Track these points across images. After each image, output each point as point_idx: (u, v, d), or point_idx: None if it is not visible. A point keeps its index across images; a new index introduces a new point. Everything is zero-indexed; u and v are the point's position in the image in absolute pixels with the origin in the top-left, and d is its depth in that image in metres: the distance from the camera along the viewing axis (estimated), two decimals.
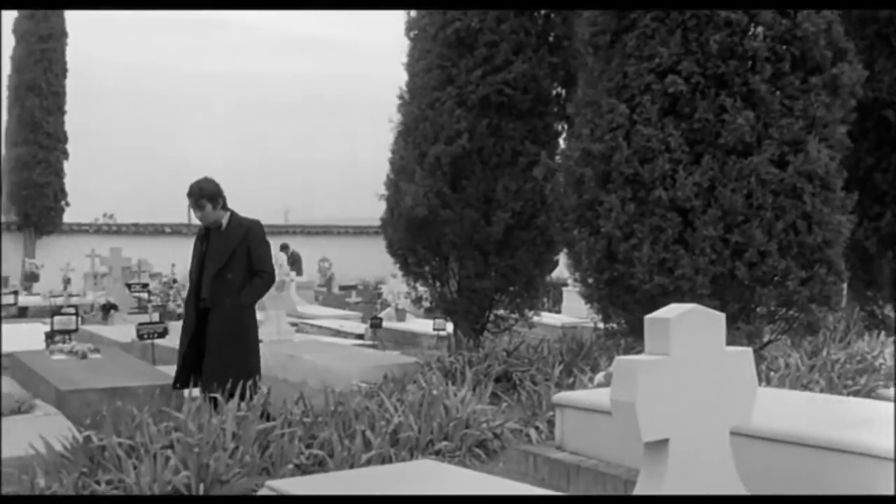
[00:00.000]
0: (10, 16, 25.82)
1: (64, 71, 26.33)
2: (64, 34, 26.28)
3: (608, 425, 5.63)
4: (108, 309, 16.08)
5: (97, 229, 27.38)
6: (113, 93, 44.91)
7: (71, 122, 26.71)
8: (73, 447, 5.80)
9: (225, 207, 7.27)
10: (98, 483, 5.34)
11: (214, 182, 7.26)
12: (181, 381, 7.16)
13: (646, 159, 8.47)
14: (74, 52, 26.70)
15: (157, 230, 28.42)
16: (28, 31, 25.58)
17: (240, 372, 6.78)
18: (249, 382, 6.71)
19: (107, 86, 41.02)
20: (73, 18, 26.53)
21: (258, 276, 7.21)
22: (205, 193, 7.14)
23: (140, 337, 10.65)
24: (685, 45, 8.40)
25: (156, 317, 12.47)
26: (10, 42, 25.90)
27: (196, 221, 7.69)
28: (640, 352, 4.00)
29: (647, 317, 3.91)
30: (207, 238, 7.28)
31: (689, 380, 3.84)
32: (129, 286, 18.40)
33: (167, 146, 45.37)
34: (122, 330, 13.84)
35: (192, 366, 7.15)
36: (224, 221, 7.23)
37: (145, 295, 17.57)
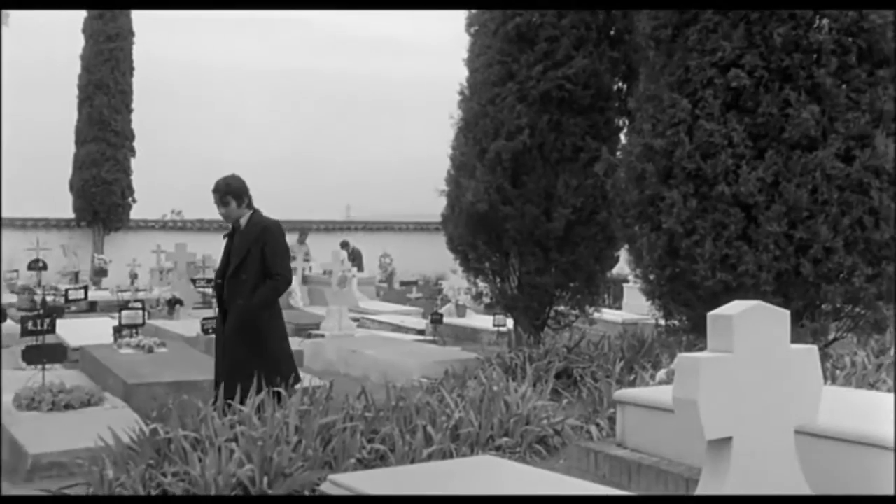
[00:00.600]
0: (80, 16, 26.31)
1: (131, 69, 26.78)
2: (131, 33, 26.72)
3: (670, 423, 5.61)
4: (173, 304, 16.35)
5: (163, 225, 27.85)
6: (177, 91, 45.60)
7: (137, 120, 27.19)
8: (140, 439, 5.93)
9: (249, 206, 7.12)
10: (164, 475, 5.45)
11: (241, 179, 7.14)
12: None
13: (708, 154, 8.38)
14: (140, 51, 27.15)
15: (220, 226, 28.70)
16: (97, 30, 26.05)
17: (250, 373, 6.54)
18: (268, 379, 6.59)
19: (172, 84, 41.65)
20: (140, 18, 26.93)
21: (271, 279, 6.95)
22: (230, 190, 7.00)
23: (205, 331, 10.81)
24: (748, 38, 8.29)
25: None
26: (79, 42, 26.39)
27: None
28: (703, 349, 3.97)
29: (710, 314, 3.89)
30: (232, 239, 7.17)
31: (752, 378, 3.81)
32: (193, 281, 18.68)
33: (229, 143, 45.94)
34: (187, 324, 14.06)
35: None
36: (244, 221, 7.08)
37: (210, 290, 17.84)
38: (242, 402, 6.25)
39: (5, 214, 25.73)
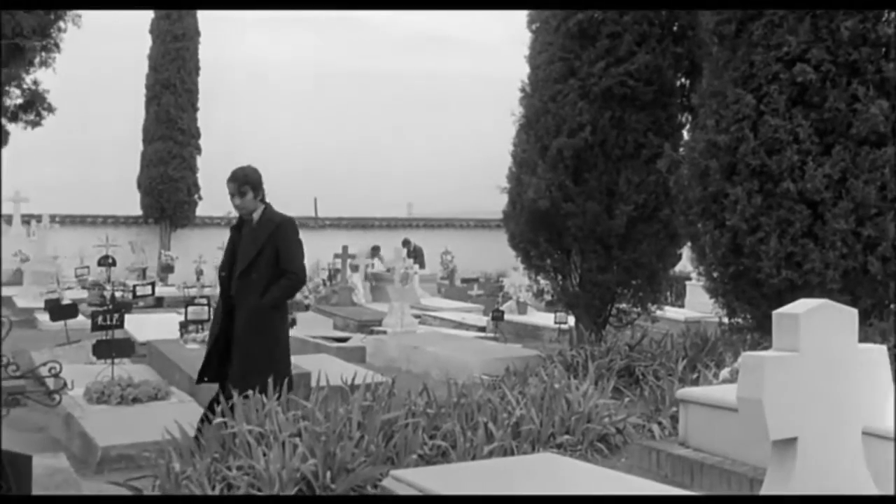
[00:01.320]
0: (147, 16, 26.79)
1: (197, 69, 27.20)
2: (197, 33, 27.13)
3: (734, 422, 5.57)
4: None
5: (228, 222, 28.14)
6: (241, 89, 46.16)
7: (203, 119, 27.61)
8: (206, 433, 6.03)
9: (263, 200, 6.78)
10: (229, 469, 5.53)
11: (258, 171, 6.83)
12: (207, 374, 6.79)
13: (773, 150, 8.27)
14: (206, 51, 27.56)
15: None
16: (164, 30, 26.51)
17: (263, 373, 6.37)
18: (274, 381, 6.39)
19: (235, 83, 42.18)
20: (205, 18, 27.35)
21: (285, 277, 6.64)
22: (249, 180, 6.65)
23: None
24: (814, 32, 8.17)
25: None
26: (146, 42, 26.87)
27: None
28: (767, 348, 3.93)
29: (776, 312, 3.84)
30: (240, 232, 6.82)
31: (819, 377, 3.76)
32: None
33: (294, 142, 46.37)
34: None
35: (218, 362, 6.70)
36: (256, 216, 6.71)
37: None
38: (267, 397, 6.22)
39: (77, 212, 26.35)
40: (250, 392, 6.21)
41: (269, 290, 6.56)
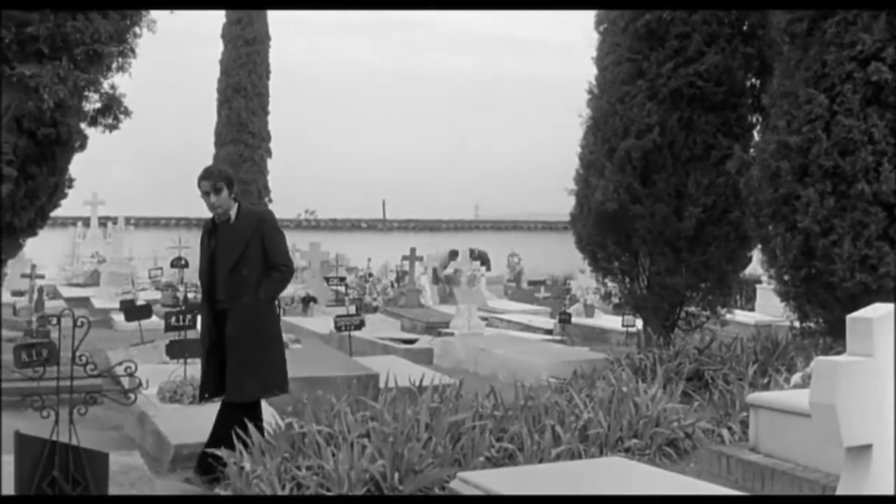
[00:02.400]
0: (219, 21, 27.26)
1: (267, 73, 27.60)
2: (267, 37, 27.54)
3: (806, 428, 5.49)
4: (307, 301, 16.76)
5: (297, 224, 28.55)
6: (311, 93, 46.65)
7: (273, 122, 27.99)
8: (276, 433, 6.11)
9: (236, 199, 6.47)
10: (299, 468, 5.60)
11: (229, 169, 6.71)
12: (208, 390, 6.50)
13: (847, 151, 8.13)
14: (276, 55, 27.94)
15: (353, 225, 29.37)
16: (235, 35, 26.95)
17: (263, 373, 6.31)
18: (270, 380, 6.38)
19: (305, 86, 42.63)
20: (275, 22, 27.74)
21: (276, 270, 6.40)
22: (224, 176, 6.35)
23: (338, 329, 11.06)
24: (890, 30, 8.01)
25: (352, 309, 12.93)
26: (218, 46, 27.34)
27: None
28: (840, 353, 3.87)
29: (850, 316, 3.78)
30: (215, 233, 6.44)
31: (893, 382, 3.70)
32: (327, 279, 19.12)
33: (362, 144, 46.74)
34: (321, 322, 14.39)
35: (217, 373, 6.36)
36: (233, 213, 6.38)
37: (342, 288, 18.23)
38: (254, 406, 6.24)
39: (151, 214, 26.89)
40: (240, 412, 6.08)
41: (263, 284, 6.32)
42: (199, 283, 6.82)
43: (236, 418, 6.04)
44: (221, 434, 6.06)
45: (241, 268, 6.28)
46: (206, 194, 6.26)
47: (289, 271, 6.53)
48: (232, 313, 6.27)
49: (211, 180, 6.25)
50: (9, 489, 3.92)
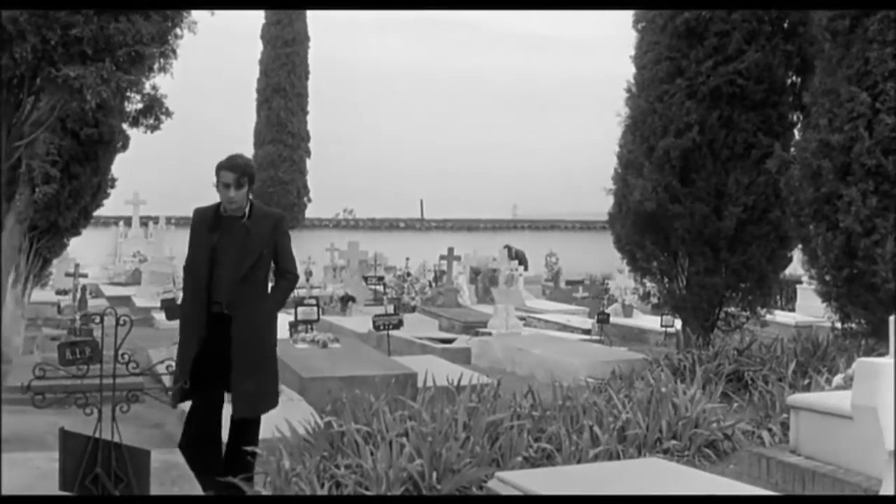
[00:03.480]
0: (258, 22, 27.47)
1: (306, 73, 27.78)
2: (306, 38, 27.71)
3: (848, 430, 5.44)
4: (346, 300, 16.84)
5: (336, 224, 28.70)
6: (349, 93, 46.81)
7: (312, 122, 28.13)
8: (315, 432, 6.15)
9: (250, 196, 5.90)
10: (337, 467, 5.63)
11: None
12: (188, 396, 5.82)
13: (890, 150, 8.03)
14: (315, 55, 28.08)
15: (392, 225, 29.47)
16: (274, 36, 27.15)
17: (271, 386, 5.91)
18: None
19: (343, 86, 42.80)
20: (314, 21, 27.88)
21: (284, 278, 5.96)
22: (249, 171, 5.77)
23: (376, 328, 11.11)
24: None
25: (391, 309, 12.95)
26: (257, 47, 27.53)
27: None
28: (883, 354, 3.84)
29: (892, 317, 3.75)
30: (218, 227, 5.80)
31: None
32: (365, 279, 19.22)
33: (400, 144, 46.82)
34: (359, 321, 14.46)
35: (210, 380, 5.68)
36: (246, 210, 5.81)
37: (381, 287, 18.30)
38: (255, 418, 5.83)
39: (191, 214, 27.14)
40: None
41: (274, 293, 5.94)
42: (184, 278, 6.09)
43: (251, 431, 5.81)
44: (231, 452, 5.76)
45: (253, 273, 5.74)
46: (225, 186, 5.66)
47: (295, 279, 6.08)
48: (239, 321, 5.67)
49: (236, 173, 5.67)
50: (52, 485, 3.98)
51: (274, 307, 5.98)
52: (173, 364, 4.78)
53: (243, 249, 5.73)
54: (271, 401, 5.86)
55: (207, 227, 5.81)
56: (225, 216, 5.78)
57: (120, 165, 11.66)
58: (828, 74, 8.80)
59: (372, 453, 5.65)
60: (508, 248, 24.58)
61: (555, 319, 16.79)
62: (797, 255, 10.85)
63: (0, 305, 8.08)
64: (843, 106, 8.39)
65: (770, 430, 6.97)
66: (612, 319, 14.79)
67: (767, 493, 4.86)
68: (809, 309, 15.92)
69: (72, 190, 10.55)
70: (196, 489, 4.77)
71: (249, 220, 5.80)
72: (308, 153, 27.90)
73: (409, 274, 21.04)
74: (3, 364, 8.90)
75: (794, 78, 10.62)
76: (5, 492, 4.60)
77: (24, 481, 4.76)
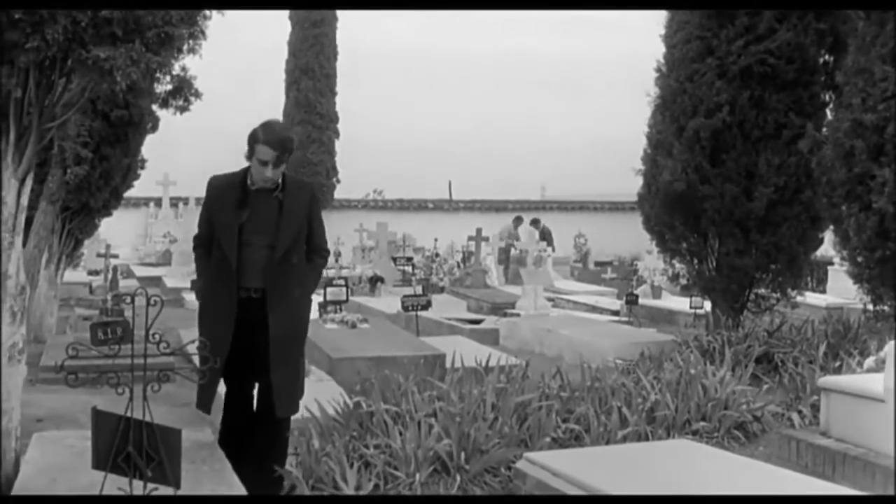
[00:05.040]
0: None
1: (335, 54, 27.76)
2: (334, 18, 27.68)
3: (879, 413, 5.40)
4: (375, 281, 16.88)
5: (365, 205, 28.75)
6: (377, 74, 46.82)
7: (341, 103, 28.13)
8: (344, 412, 6.19)
9: None
10: (366, 447, 5.67)
11: None
12: (209, 398, 5.27)
13: None
14: (343, 36, 28.06)
15: (420, 205, 29.48)
16: (302, 17, 27.14)
17: (303, 379, 5.43)
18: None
19: (373, 67, 42.80)
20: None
21: (320, 256, 5.36)
22: (290, 147, 5.10)
23: (405, 308, 11.14)
24: None
25: (419, 289, 12.99)
26: (286, 28, 27.56)
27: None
28: None
29: None
30: (246, 201, 5.13)
31: None
32: (394, 259, 19.24)
33: (429, 124, 46.78)
34: (388, 301, 14.50)
35: (238, 370, 5.17)
36: (280, 183, 5.19)
37: (409, 268, 18.33)
38: (288, 418, 5.29)
39: None
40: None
41: (310, 274, 5.32)
42: (201, 258, 5.34)
43: (283, 431, 5.32)
44: (269, 452, 5.24)
45: (293, 254, 5.14)
46: (262, 163, 5.01)
47: (328, 256, 5.55)
48: (278, 309, 5.07)
49: (277, 150, 5.00)
50: (85, 463, 4.03)
51: (312, 289, 5.41)
52: (204, 344, 4.41)
53: (280, 227, 5.09)
54: (303, 389, 5.38)
55: (235, 201, 5.11)
56: (253, 189, 5.13)
57: (150, 147, 11.73)
58: (861, 53, 8.67)
59: (401, 433, 5.69)
60: (536, 220, 24.55)
61: (583, 300, 16.76)
62: (828, 236, 10.75)
63: (33, 286, 8.16)
64: (876, 85, 8.27)
65: (800, 412, 6.94)
66: (640, 301, 14.74)
67: (800, 476, 4.84)
68: (841, 291, 15.78)
69: (102, 171, 10.63)
70: (226, 467, 4.82)
71: (284, 192, 5.15)
72: (337, 134, 27.91)
73: (437, 255, 21.06)
74: (36, 344, 9.01)
75: (826, 57, 10.48)
76: (42, 469, 4.67)
77: (59, 459, 4.83)
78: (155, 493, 3.92)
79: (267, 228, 5.10)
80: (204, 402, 5.26)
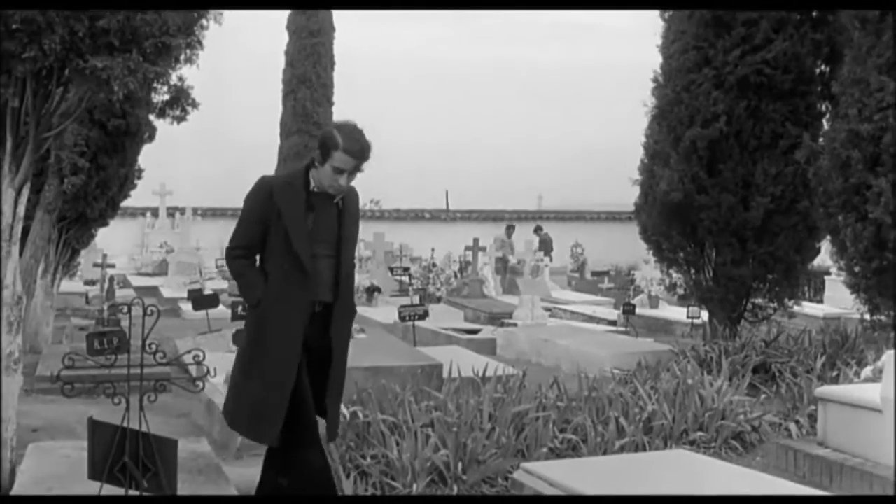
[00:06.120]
0: (284, 12, 27.50)
1: (332, 63, 27.77)
2: (332, 28, 27.69)
3: (876, 423, 5.40)
4: (372, 291, 16.87)
5: (362, 215, 28.63)
6: (375, 83, 46.88)
7: (338, 113, 28.15)
8: (341, 422, 6.16)
9: None
10: (363, 457, 5.66)
11: None
12: (274, 432, 4.49)
13: None
14: (340, 45, 28.10)
15: (417, 215, 29.49)
16: (300, 26, 27.16)
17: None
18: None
19: (369, 77, 42.87)
20: (339, 12, 27.91)
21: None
22: (369, 156, 4.65)
23: (402, 318, 11.12)
24: None
25: (416, 299, 12.96)
26: (283, 38, 27.60)
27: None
28: None
29: None
30: (310, 204, 4.62)
31: None
32: (391, 270, 19.24)
33: (426, 134, 46.84)
34: (385, 311, 14.49)
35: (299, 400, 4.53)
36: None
37: (406, 278, 18.33)
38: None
39: (217, 205, 27.29)
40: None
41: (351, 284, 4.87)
42: (258, 268, 4.67)
43: (323, 451, 4.78)
44: (319, 479, 4.59)
45: (351, 266, 4.80)
46: (338, 171, 4.55)
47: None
48: (341, 327, 4.68)
49: (359, 160, 4.59)
50: (81, 474, 4.01)
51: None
52: (200, 354, 4.16)
53: (342, 236, 4.68)
54: None
55: (304, 205, 4.57)
56: (315, 193, 4.62)
57: (147, 156, 11.75)
58: (857, 63, 8.70)
59: (398, 444, 5.67)
60: (539, 228, 24.53)
61: (580, 310, 16.76)
62: (825, 245, 10.76)
63: (30, 296, 8.15)
64: (872, 95, 8.29)
65: (797, 422, 6.94)
66: (637, 310, 14.74)
67: (799, 488, 4.83)
68: (838, 300, 15.80)
69: (99, 181, 10.64)
70: (222, 476, 4.81)
71: (347, 203, 4.77)
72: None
73: (434, 265, 21.06)
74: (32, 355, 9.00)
75: (822, 67, 10.51)
76: (37, 479, 4.66)
77: (54, 469, 4.82)
78: None
79: (329, 237, 4.65)
80: (269, 433, 4.50)
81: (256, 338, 4.60)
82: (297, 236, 4.51)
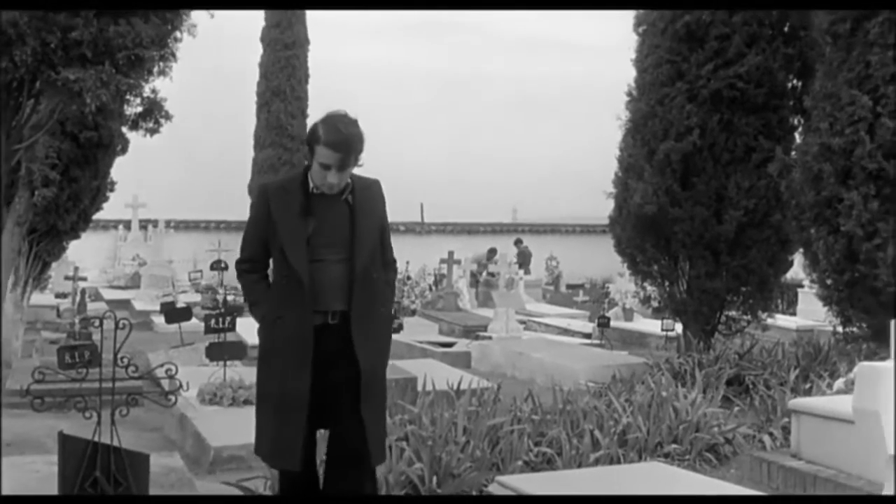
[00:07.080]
0: (258, 25, 27.44)
1: (306, 76, 27.74)
2: (306, 41, 27.68)
3: (849, 434, 5.42)
4: None
5: None
6: (349, 96, 46.87)
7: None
8: None
9: None
10: None
11: None
12: (295, 456, 4.18)
13: (891, 153, 8.02)
14: (315, 58, 28.07)
15: (392, 228, 29.40)
16: (274, 39, 27.13)
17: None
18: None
19: (344, 89, 42.85)
20: (314, 24, 27.84)
21: (391, 269, 4.53)
22: (358, 149, 4.22)
23: None
24: None
25: None
26: (258, 50, 27.55)
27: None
28: (884, 358, 3.82)
29: (894, 321, 3.74)
30: (309, 209, 4.24)
31: None
32: None
33: (400, 147, 46.86)
34: None
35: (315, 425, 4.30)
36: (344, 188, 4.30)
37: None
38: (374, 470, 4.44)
39: (191, 217, 27.14)
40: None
41: (387, 291, 4.46)
42: (262, 280, 4.42)
43: (371, 485, 4.42)
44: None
45: (371, 268, 4.29)
46: (324, 167, 4.17)
47: (397, 269, 4.77)
48: (364, 336, 4.22)
49: (342, 153, 4.14)
50: (51, 489, 3.97)
51: (391, 308, 4.55)
52: (173, 368, 4.06)
53: (355, 237, 4.25)
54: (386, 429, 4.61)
55: (298, 210, 4.22)
56: (317, 194, 4.25)
57: (119, 169, 11.66)
58: (829, 78, 8.79)
59: None
60: (519, 241, 24.52)
61: (555, 323, 16.76)
62: (798, 258, 10.84)
63: None
64: (843, 109, 8.38)
65: (771, 434, 6.96)
66: (612, 323, 14.77)
67: (764, 494, 4.85)
68: (810, 313, 15.90)
69: (71, 193, 10.55)
70: (195, 492, 4.76)
71: (354, 195, 4.30)
72: (307, 157, 27.90)
73: (409, 277, 21.02)
74: (3, 368, 8.88)
75: (794, 81, 10.61)
76: (4, 494, 4.59)
77: (24, 485, 4.76)
78: None
79: (339, 240, 4.23)
80: (290, 460, 4.19)
81: (264, 355, 4.33)
82: (292, 245, 4.18)
